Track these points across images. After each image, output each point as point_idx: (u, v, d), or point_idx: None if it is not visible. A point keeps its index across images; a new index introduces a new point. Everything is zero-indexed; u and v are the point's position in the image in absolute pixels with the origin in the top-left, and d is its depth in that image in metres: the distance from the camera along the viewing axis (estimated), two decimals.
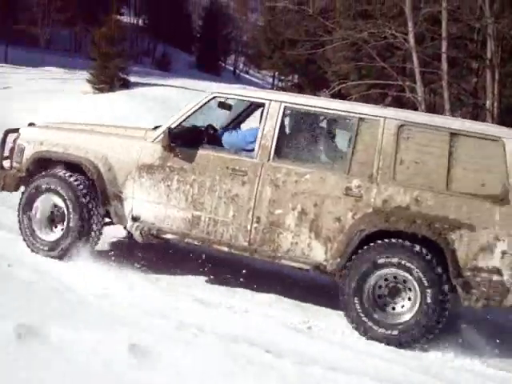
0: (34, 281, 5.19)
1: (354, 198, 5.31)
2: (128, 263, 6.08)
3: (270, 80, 58.06)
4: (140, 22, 58.46)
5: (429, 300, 5.06)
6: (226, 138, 6.16)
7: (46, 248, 5.98)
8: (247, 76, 65.59)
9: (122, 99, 17.05)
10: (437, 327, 5.14)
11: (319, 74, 27.67)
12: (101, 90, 18.52)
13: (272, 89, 45.05)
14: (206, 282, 6.10)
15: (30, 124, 6.75)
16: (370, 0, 15.17)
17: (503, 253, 5.02)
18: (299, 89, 28.50)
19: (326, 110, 5.66)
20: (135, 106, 15.98)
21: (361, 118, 5.46)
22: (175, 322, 4.80)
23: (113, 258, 6.07)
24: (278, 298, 5.89)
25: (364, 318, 5.21)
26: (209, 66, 55.82)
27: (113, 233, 6.86)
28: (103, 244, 6.48)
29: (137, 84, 20.46)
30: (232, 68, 65.84)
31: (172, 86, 21.95)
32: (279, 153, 5.59)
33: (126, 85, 19.41)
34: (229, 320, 5.16)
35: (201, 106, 5.92)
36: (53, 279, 5.34)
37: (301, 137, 5.72)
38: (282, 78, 36.67)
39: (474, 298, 5.09)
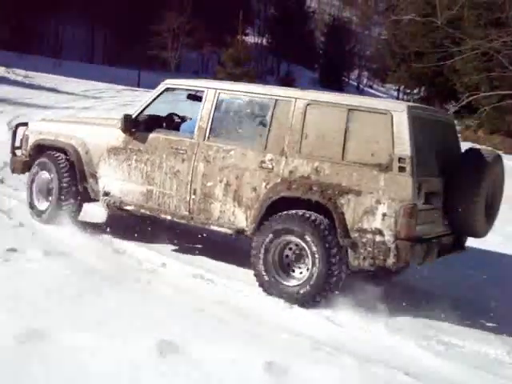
0: (171, 297, 5.36)
1: (266, 170, 5.95)
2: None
3: (395, 94, 57.18)
4: (264, 41, 59.55)
5: (320, 262, 5.56)
6: (183, 125, 7.01)
7: (38, 215, 7.24)
8: (371, 90, 64.99)
9: None
10: (330, 287, 5.61)
11: (447, 86, 26.90)
12: None
13: None
14: (334, 300, 6.05)
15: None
16: (503, 8, 14.52)
17: (384, 215, 5.41)
18: (426, 101, 27.80)
19: (249, 94, 6.31)
20: None
21: (276, 100, 6.07)
22: (309, 340, 4.79)
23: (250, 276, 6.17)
24: (417, 320, 5.73)
25: (266, 278, 5.83)
26: (332, 82, 55.90)
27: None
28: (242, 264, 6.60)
29: None
30: (355, 83, 65.47)
31: None
32: (213, 133, 6.33)
33: None
34: (361, 340, 5.08)
35: (155, 98, 6.81)
36: (191, 295, 5.48)
37: (230, 118, 6.41)
38: (408, 91, 35.89)
39: (362, 258, 5.55)
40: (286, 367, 4.15)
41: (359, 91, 61.38)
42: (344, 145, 5.65)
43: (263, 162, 5.97)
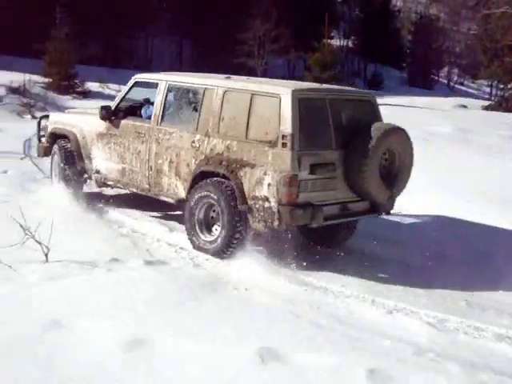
0: (270, 304, 5.38)
1: (195, 148, 6.99)
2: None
3: (488, 89, 55.36)
4: (349, 43, 59.04)
5: (226, 223, 6.59)
6: (145, 112, 8.01)
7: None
8: (462, 87, 63.15)
9: None
10: (234, 244, 6.59)
11: None
12: None
13: (489, 99, 42.86)
14: (434, 300, 5.91)
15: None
16: None
17: (269, 184, 6.30)
18: None
19: (189, 84, 7.40)
20: None
21: (205, 88, 7.08)
22: (411, 345, 4.69)
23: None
24: None
25: (194, 236, 6.93)
26: (421, 81, 54.75)
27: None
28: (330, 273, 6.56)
29: None
30: (445, 80, 63.82)
31: (386, 105, 21.79)
32: (163, 118, 7.45)
33: None
34: (467, 345, 4.93)
35: (128, 90, 8.09)
36: (289, 301, 5.49)
37: (175, 105, 7.53)
38: (502, 86, 34.65)
39: (257, 221, 6.47)
40: (389, 375, 4.09)
41: (450, 89, 59.81)
42: (247, 125, 6.57)
43: (193, 141, 7.03)
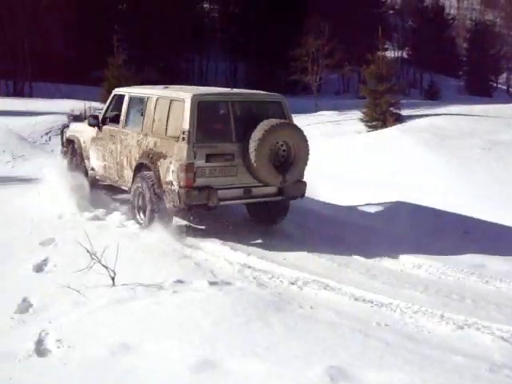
0: (336, 321, 5.31)
1: (139, 146, 8.41)
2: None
3: None
4: (404, 54, 58.46)
5: (148, 202, 8.04)
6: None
7: None
8: None
9: (394, 134, 17.02)
10: (155, 218, 7.96)
11: None
12: (374, 128, 18.72)
13: None
14: (506, 314, 5.71)
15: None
16: None
17: (173, 171, 7.70)
18: None
19: (140, 95, 8.91)
20: (408, 139, 15.83)
21: (148, 97, 8.60)
22: (484, 362, 4.55)
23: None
24: None
25: (135, 217, 8.45)
26: (479, 88, 53.64)
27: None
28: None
29: (409, 117, 20.35)
30: (505, 87, 62.36)
31: (444, 115, 21.44)
32: (126, 123, 8.95)
33: (399, 119, 19.40)
34: None
35: (110, 102, 9.54)
36: (355, 319, 5.41)
37: (133, 112, 8.96)
38: None
39: (168, 201, 7.88)
40: None
41: (510, 95, 58.40)
42: (167, 125, 8.00)
43: (138, 140, 8.46)
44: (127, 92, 9.25)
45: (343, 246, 7.90)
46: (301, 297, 5.97)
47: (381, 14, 52.05)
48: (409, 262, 7.37)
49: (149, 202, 8.02)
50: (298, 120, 23.94)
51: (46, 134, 15.22)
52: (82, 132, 10.08)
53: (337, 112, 27.82)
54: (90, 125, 9.51)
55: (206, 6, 51.60)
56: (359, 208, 10.22)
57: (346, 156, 14.22)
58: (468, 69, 59.31)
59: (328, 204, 10.37)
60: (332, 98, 41.27)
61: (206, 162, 7.64)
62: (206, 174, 7.68)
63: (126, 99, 9.04)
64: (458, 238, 8.64)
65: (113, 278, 5.90)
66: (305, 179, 8.34)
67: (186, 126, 7.59)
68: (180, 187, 7.61)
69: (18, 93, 29.01)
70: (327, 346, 4.73)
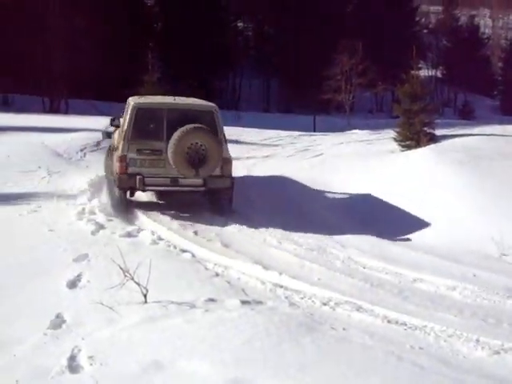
0: (369, 344, 5.24)
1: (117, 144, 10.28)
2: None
3: None
4: (438, 73, 58.13)
5: (107, 186, 11.06)
6: None
7: None
8: None
9: (427, 153, 16.83)
10: (113, 200, 10.21)
11: None
12: (408, 147, 18.50)
13: None
14: None
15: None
16: None
17: (115, 161, 10.03)
18: None
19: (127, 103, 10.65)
20: (441, 160, 15.63)
21: (128, 105, 10.35)
22: None
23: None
24: None
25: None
26: None
27: None
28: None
29: (443, 137, 20.11)
30: None
31: (479, 135, 21.16)
32: (122, 128, 10.43)
33: (433, 139, 19.18)
34: None
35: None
36: (389, 342, 5.33)
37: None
38: None
39: (116, 186, 9.98)
40: None
41: None
42: (123, 126, 10.24)
43: (113, 145, 10.83)
44: (131, 102, 10.30)
45: (373, 270, 7.83)
46: (333, 318, 5.91)
47: (415, 33, 51.88)
48: (442, 284, 7.26)
49: (107, 187, 10.90)
50: (331, 138, 23.99)
51: (81, 150, 15.39)
52: (115, 131, 11.89)
53: (370, 131, 27.67)
54: (112, 125, 11.91)
55: (240, 24, 52.02)
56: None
57: (381, 175, 14.10)
58: (503, 88, 58.69)
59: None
60: (365, 116, 41.14)
61: (138, 155, 9.70)
62: (137, 164, 9.71)
63: (130, 109, 10.09)
64: (494, 261, 8.51)
65: (145, 296, 5.91)
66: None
67: (125, 126, 9.88)
68: (116, 173, 9.83)
69: (54, 110, 29.52)
70: (360, 369, 4.67)
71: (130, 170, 9.65)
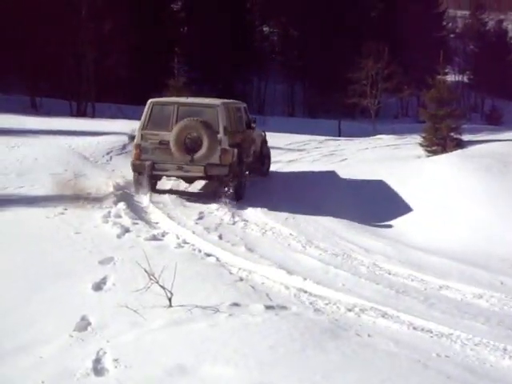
0: (394, 351, 5.19)
1: None
2: None
3: None
4: (465, 78, 57.65)
5: None
6: None
7: None
8: None
9: (453, 159, 16.67)
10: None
11: None
12: (434, 152, 18.38)
13: None
14: None
15: None
16: None
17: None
18: None
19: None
20: (468, 166, 15.47)
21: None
22: None
23: None
24: None
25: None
26: None
27: None
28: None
29: (470, 142, 19.94)
30: None
31: (507, 140, 20.93)
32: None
33: (459, 144, 19.02)
34: None
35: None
36: (414, 349, 5.28)
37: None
38: None
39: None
40: None
41: None
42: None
43: None
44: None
45: (398, 276, 7.77)
46: (358, 324, 5.87)
47: (442, 38, 51.54)
48: (469, 292, 7.18)
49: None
50: (356, 143, 23.87)
51: (107, 153, 15.49)
52: None
53: (395, 136, 27.52)
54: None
55: (265, 29, 52.10)
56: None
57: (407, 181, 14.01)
58: None
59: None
60: (391, 121, 40.95)
61: (150, 144, 11.26)
62: (148, 152, 11.25)
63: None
64: None
65: (170, 299, 5.92)
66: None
67: (142, 119, 11.48)
68: (132, 159, 11.53)
69: (81, 113, 29.80)
70: (385, 377, 4.63)
71: (143, 156, 11.21)
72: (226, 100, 12.84)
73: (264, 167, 14.53)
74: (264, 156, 14.52)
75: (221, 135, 11.11)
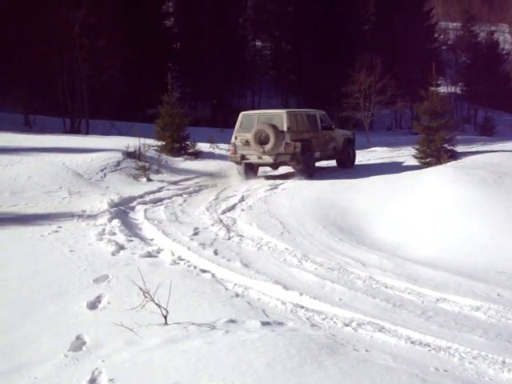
0: (393, 366, 5.15)
1: None
2: None
3: None
4: (457, 90, 57.94)
5: None
6: None
7: None
8: None
9: (447, 172, 16.68)
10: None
11: None
12: (428, 164, 18.43)
13: None
14: None
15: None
16: None
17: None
18: None
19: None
20: (462, 177, 15.48)
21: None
22: None
23: None
24: None
25: None
26: None
27: None
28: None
29: (463, 153, 20.01)
30: None
31: (500, 151, 21.02)
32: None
33: (453, 155, 19.09)
34: None
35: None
36: (412, 364, 5.24)
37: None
38: None
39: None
40: None
41: None
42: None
43: None
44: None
45: (395, 289, 7.74)
46: (355, 339, 5.83)
47: (434, 50, 51.81)
48: (466, 305, 7.15)
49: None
50: None
51: (101, 170, 15.46)
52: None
53: (389, 148, 27.57)
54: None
55: (258, 43, 52.31)
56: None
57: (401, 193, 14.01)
58: None
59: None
60: (384, 133, 41.03)
61: (240, 142, 16.35)
62: (240, 148, 16.40)
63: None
64: None
65: (165, 317, 5.88)
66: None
67: (236, 125, 16.72)
68: (229, 154, 17.05)
69: (74, 130, 29.73)
70: None
71: (238, 152, 16.44)
72: (293, 109, 20.46)
73: (349, 161, 19.42)
74: (349, 152, 19.41)
75: (285, 133, 15.87)
